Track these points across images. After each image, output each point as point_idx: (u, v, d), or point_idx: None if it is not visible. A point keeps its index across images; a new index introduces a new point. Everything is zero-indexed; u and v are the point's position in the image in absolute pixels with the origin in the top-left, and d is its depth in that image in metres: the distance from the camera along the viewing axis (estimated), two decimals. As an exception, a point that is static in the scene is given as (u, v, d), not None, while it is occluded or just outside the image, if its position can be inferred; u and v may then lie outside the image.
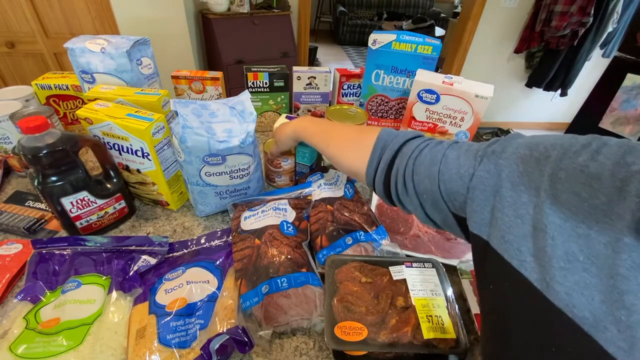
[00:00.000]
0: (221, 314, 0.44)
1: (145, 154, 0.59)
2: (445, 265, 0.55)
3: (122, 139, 0.58)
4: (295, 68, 0.94)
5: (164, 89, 0.69)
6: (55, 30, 1.75)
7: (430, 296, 0.47)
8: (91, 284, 0.49)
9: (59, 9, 1.69)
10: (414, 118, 0.81)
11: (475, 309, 0.51)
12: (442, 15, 4.70)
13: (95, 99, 0.63)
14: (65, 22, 1.74)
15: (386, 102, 0.91)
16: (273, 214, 0.57)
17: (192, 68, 2.07)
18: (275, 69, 0.90)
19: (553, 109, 3.07)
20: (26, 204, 0.66)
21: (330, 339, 0.42)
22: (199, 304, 0.47)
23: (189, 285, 0.48)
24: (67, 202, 0.55)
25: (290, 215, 0.57)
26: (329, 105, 0.76)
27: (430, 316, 0.45)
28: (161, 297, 0.47)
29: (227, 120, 0.58)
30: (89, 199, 0.57)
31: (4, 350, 0.40)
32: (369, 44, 0.83)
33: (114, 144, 0.60)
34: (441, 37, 4.03)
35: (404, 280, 0.49)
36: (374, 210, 0.66)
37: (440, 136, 0.81)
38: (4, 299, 0.50)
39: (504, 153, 0.28)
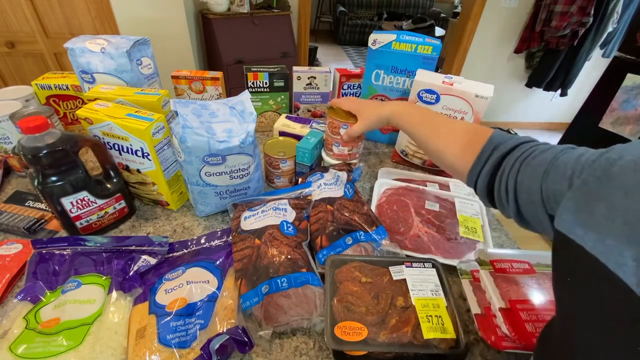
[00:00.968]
0: (221, 314, 0.44)
1: (145, 154, 0.59)
2: (445, 265, 0.55)
3: (122, 139, 0.58)
4: (295, 68, 0.94)
5: (164, 89, 0.69)
6: (55, 30, 1.75)
7: (430, 296, 0.47)
8: (91, 284, 0.49)
9: (59, 9, 1.69)
10: (414, 118, 0.81)
11: (475, 309, 0.51)
12: (442, 15, 4.70)
13: (95, 99, 0.63)
14: (65, 22, 1.74)
15: (386, 102, 0.91)
16: (273, 214, 0.57)
17: (192, 68, 2.07)
18: (275, 69, 0.90)
19: (553, 109, 3.07)
20: (26, 204, 0.66)
21: (330, 339, 0.42)
22: (199, 304, 0.47)
23: (189, 285, 0.48)
24: (67, 202, 0.55)
25: (290, 215, 0.57)
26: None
27: (430, 316, 0.45)
28: (161, 297, 0.47)
29: (227, 120, 0.58)
30: (89, 199, 0.57)
31: (4, 350, 0.40)
32: (369, 44, 0.83)
33: (114, 144, 0.60)
34: (441, 37, 4.03)
35: (404, 280, 0.49)
36: (374, 210, 0.66)
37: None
38: (4, 299, 0.50)
39: (620, 160, 0.27)
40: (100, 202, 0.59)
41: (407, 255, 0.58)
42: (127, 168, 0.63)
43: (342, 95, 0.98)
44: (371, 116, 0.61)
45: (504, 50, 2.68)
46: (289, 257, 0.50)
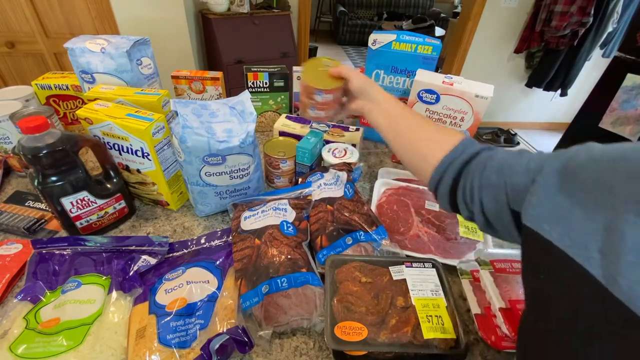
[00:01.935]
0: (221, 314, 0.44)
1: (145, 154, 0.59)
2: (445, 265, 0.55)
3: (122, 139, 0.58)
4: (295, 68, 0.94)
5: (164, 89, 0.69)
6: (55, 30, 1.75)
7: (430, 296, 0.47)
8: (91, 284, 0.49)
9: (59, 9, 1.69)
10: (414, 118, 0.81)
11: (475, 309, 0.51)
12: (442, 15, 4.69)
13: (95, 99, 0.63)
14: (65, 22, 1.74)
15: (386, 102, 0.91)
16: (273, 214, 0.57)
17: (192, 68, 2.07)
18: (275, 69, 0.90)
19: (553, 109, 3.07)
20: (26, 204, 0.66)
21: (330, 339, 0.42)
22: (199, 304, 0.47)
23: (189, 285, 0.48)
24: (67, 202, 0.55)
25: (290, 215, 0.57)
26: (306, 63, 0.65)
27: (430, 316, 0.45)
28: (161, 297, 0.47)
29: (227, 120, 0.58)
30: (89, 199, 0.57)
31: (4, 350, 0.40)
32: (369, 44, 0.83)
33: (114, 144, 0.60)
34: (441, 37, 4.03)
35: (404, 280, 0.49)
36: (374, 210, 0.66)
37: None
38: (4, 299, 0.51)
39: (578, 156, 0.29)
40: (100, 202, 0.59)
41: (407, 255, 0.58)
42: (127, 168, 0.63)
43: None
44: (359, 80, 0.58)
45: (504, 50, 2.68)
46: (289, 257, 0.50)
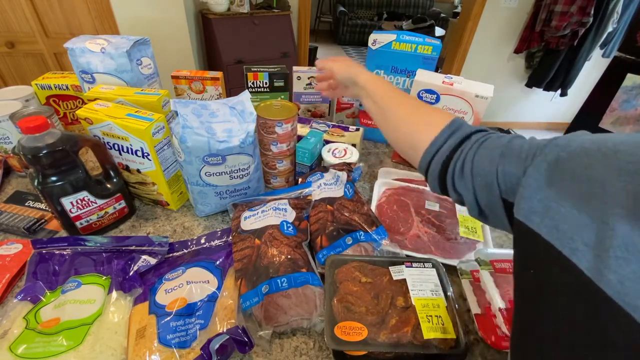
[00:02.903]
0: (221, 314, 0.44)
1: (145, 154, 0.59)
2: (445, 265, 0.55)
3: (122, 139, 0.58)
4: (295, 68, 0.94)
5: (164, 89, 0.69)
6: (55, 30, 1.75)
7: (430, 296, 0.47)
8: (91, 284, 0.49)
9: (59, 9, 1.69)
10: (414, 118, 0.81)
11: (475, 309, 0.51)
12: (442, 15, 4.69)
13: (95, 99, 0.63)
14: (65, 22, 1.74)
15: (386, 102, 0.91)
16: (273, 214, 0.57)
17: (192, 68, 2.07)
18: (275, 69, 0.90)
19: (553, 109, 3.07)
20: (26, 204, 0.66)
21: (330, 339, 0.42)
22: (199, 304, 0.47)
23: (189, 285, 0.48)
24: (67, 202, 0.55)
25: (290, 215, 0.57)
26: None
27: (430, 316, 0.45)
28: (161, 297, 0.47)
29: (227, 120, 0.58)
30: (89, 199, 0.57)
31: (4, 350, 0.40)
32: (369, 44, 0.83)
33: (114, 144, 0.60)
34: (441, 37, 4.03)
35: (404, 280, 0.49)
36: (374, 210, 0.66)
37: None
38: (4, 299, 0.51)
39: (569, 147, 0.28)
40: (100, 202, 0.59)
41: (407, 255, 0.58)
42: (127, 168, 0.63)
43: (343, 99, 0.97)
44: (341, 68, 0.59)
45: (504, 50, 2.68)
46: (289, 257, 0.50)
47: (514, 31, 2.58)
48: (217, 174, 0.59)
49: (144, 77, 0.75)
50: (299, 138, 0.73)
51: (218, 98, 0.92)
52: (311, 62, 3.61)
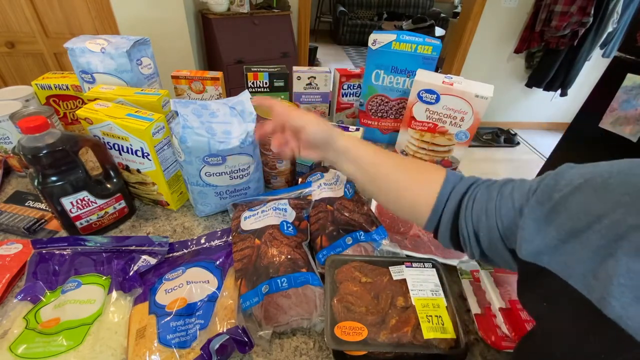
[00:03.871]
0: (221, 314, 0.44)
1: (145, 154, 0.59)
2: (445, 265, 0.55)
3: (122, 139, 0.58)
4: (295, 68, 0.94)
5: (164, 89, 0.69)
6: (55, 30, 1.75)
7: (430, 296, 0.47)
8: (91, 284, 0.49)
9: (59, 9, 1.69)
10: (414, 118, 0.81)
11: (475, 309, 0.51)
12: (442, 15, 4.69)
13: (95, 99, 0.63)
14: (65, 22, 1.74)
15: (386, 102, 0.91)
16: (273, 214, 0.57)
17: (192, 68, 2.07)
18: (275, 69, 0.90)
19: (553, 109, 3.07)
20: (26, 204, 0.66)
21: (330, 339, 0.42)
22: (199, 304, 0.47)
23: (189, 285, 0.48)
24: (67, 202, 0.55)
25: (290, 215, 0.57)
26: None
27: (430, 316, 0.45)
28: (161, 297, 0.47)
29: (227, 121, 0.58)
30: (89, 199, 0.57)
31: (4, 350, 0.40)
32: (369, 44, 0.83)
33: (114, 144, 0.60)
34: (441, 37, 4.03)
35: (404, 280, 0.49)
36: (374, 210, 0.66)
37: (441, 136, 0.81)
38: (4, 299, 0.50)
39: (557, 185, 0.29)
40: (100, 202, 0.59)
41: (407, 255, 0.58)
42: (127, 168, 0.63)
43: (343, 96, 0.98)
44: (324, 130, 0.49)
45: (504, 50, 2.68)
46: (289, 257, 0.50)
47: (514, 31, 2.58)
48: (217, 174, 0.59)
49: (144, 77, 0.75)
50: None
51: (218, 98, 0.92)
52: (311, 62, 3.61)
